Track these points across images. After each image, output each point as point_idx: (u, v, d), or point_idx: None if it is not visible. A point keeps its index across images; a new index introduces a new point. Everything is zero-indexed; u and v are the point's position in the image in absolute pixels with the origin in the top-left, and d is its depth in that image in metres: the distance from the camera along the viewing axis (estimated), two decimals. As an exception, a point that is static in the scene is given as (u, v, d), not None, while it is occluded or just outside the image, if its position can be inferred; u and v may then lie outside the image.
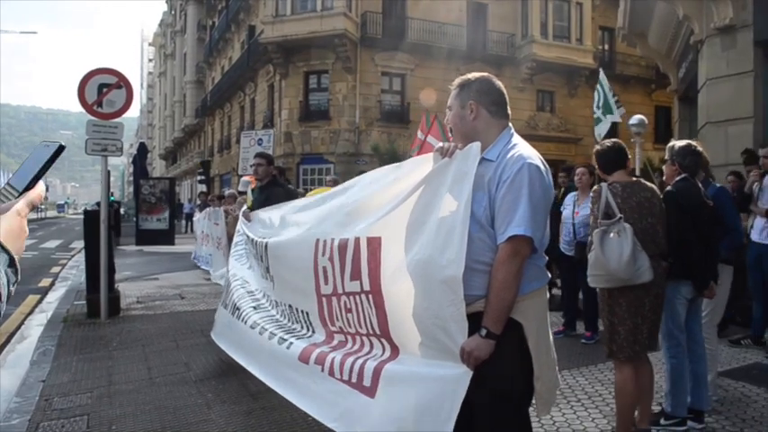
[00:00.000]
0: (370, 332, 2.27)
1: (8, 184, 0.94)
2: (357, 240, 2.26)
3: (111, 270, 6.90)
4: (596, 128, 9.58)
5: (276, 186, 5.30)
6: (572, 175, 6.93)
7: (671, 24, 10.16)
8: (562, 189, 6.66)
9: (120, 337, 5.77)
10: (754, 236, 5.25)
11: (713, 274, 3.45)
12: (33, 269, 11.36)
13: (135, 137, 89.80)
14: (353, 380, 2.24)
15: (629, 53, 22.34)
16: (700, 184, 3.53)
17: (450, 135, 2.26)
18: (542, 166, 1.96)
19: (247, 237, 4.19)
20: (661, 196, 3.24)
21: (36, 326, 6.33)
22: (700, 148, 3.55)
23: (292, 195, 5.04)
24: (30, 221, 1.01)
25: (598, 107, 9.43)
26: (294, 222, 3.28)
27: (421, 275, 1.96)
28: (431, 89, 18.03)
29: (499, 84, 2.14)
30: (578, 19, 23.76)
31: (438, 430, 1.84)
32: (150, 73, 75.96)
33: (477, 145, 1.97)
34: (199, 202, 17.71)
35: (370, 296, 2.21)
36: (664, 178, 3.84)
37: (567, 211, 5.75)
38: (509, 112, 2.13)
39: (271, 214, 3.98)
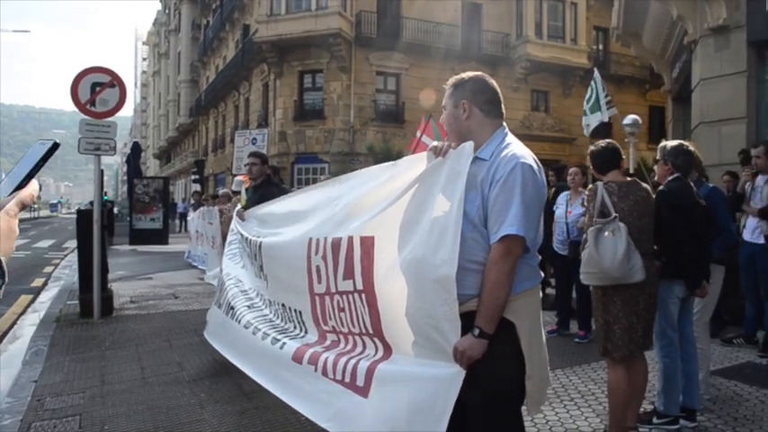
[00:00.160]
0: (363, 331, 2.27)
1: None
2: (350, 239, 2.26)
3: (105, 270, 6.87)
4: (584, 119, 9.64)
5: (270, 186, 5.28)
6: (563, 174, 6.96)
7: (665, 24, 10.20)
8: (553, 189, 6.67)
9: (113, 336, 5.75)
10: (747, 235, 5.27)
11: (705, 273, 3.46)
12: (26, 269, 11.30)
13: (129, 136, 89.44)
14: (347, 380, 2.24)
15: (623, 53, 22.37)
16: (692, 184, 3.54)
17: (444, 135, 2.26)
18: (535, 166, 1.96)
19: (241, 235, 4.17)
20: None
21: (28, 326, 6.29)
22: (691, 148, 3.57)
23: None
24: (22, 221, 1.00)
25: (587, 102, 9.49)
26: (288, 221, 3.27)
27: (414, 275, 1.95)
28: (430, 89, 18.01)
29: (493, 83, 2.13)
30: (573, 19, 23.84)
31: (431, 430, 1.84)
32: (144, 72, 75.55)
33: (470, 144, 1.97)
34: (193, 201, 17.66)
35: (363, 295, 2.20)
36: (656, 178, 3.85)
37: (559, 210, 5.76)
38: (503, 111, 2.13)
39: (265, 210, 3.96)
